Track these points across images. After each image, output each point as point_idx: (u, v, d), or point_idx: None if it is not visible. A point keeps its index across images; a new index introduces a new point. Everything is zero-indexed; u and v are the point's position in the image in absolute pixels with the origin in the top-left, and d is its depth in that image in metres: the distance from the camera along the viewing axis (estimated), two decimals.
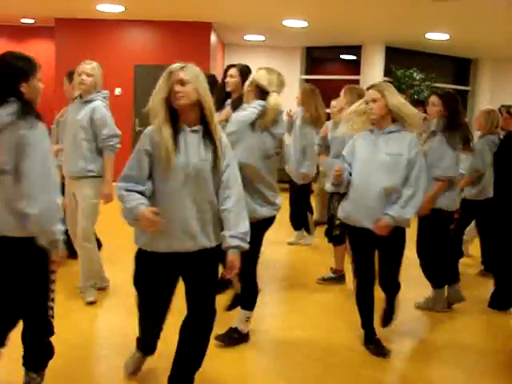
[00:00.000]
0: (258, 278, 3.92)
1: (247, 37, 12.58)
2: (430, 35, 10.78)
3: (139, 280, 3.08)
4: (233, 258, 2.89)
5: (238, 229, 2.89)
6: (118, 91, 10.99)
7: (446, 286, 4.78)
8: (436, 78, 12.13)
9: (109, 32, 11.05)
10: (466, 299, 4.81)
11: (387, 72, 12.40)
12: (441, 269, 4.71)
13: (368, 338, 3.99)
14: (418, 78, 11.90)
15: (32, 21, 11.93)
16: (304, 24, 10.40)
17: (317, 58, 14.32)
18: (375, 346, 3.94)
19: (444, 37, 10.83)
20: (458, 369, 3.79)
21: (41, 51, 12.35)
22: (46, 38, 12.22)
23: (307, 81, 14.02)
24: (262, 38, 12.60)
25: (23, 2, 9.90)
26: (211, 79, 4.96)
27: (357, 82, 12.84)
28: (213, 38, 11.21)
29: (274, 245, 6.24)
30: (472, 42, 11.59)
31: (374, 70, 12.52)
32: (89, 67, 4.68)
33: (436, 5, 8.00)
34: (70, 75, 5.32)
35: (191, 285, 3.00)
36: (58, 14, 10.77)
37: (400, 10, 8.77)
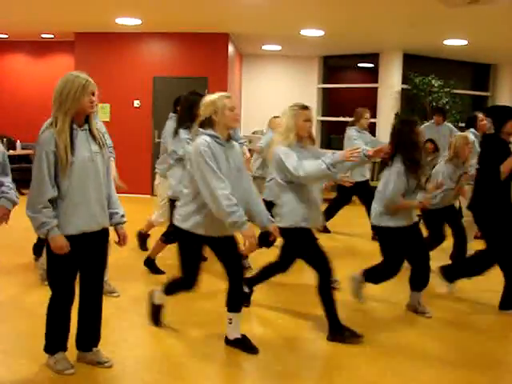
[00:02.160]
0: None
1: (265, 47, 12.62)
2: (448, 41, 10.72)
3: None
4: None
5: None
6: (136, 103, 11.08)
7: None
8: (455, 84, 12.04)
9: (127, 45, 11.16)
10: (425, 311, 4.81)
11: (405, 79, 12.35)
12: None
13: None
14: (436, 84, 11.83)
15: (52, 36, 12.09)
16: (321, 33, 10.41)
17: (334, 67, 14.32)
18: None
19: (462, 42, 10.76)
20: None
21: (60, 65, 12.53)
22: (65, 53, 12.38)
23: (324, 89, 14.06)
24: (279, 47, 12.63)
25: (43, 17, 10.04)
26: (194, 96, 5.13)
27: (375, 90, 12.84)
28: (230, 48, 11.27)
29: None
30: (491, 47, 11.49)
31: (391, 78, 12.48)
32: None
33: (453, 11, 7.96)
34: None
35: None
36: (78, 28, 10.92)
37: (417, 17, 8.73)
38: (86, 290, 3.45)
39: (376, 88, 12.86)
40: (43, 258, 4.92)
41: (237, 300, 3.89)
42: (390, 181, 4.46)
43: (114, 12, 9.27)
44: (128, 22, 9.90)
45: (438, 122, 8.77)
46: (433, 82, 11.86)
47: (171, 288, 4.09)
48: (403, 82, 12.42)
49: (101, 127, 4.68)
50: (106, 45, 11.17)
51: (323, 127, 14.22)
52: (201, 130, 3.74)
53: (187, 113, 5.13)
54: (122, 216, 3.49)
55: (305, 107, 4.15)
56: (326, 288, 4.11)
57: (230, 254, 3.88)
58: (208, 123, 3.73)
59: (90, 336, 3.55)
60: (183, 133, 5.19)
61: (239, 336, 3.94)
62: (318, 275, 4.11)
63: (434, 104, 11.53)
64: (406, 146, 4.46)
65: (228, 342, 3.97)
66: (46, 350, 3.42)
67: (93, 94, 3.19)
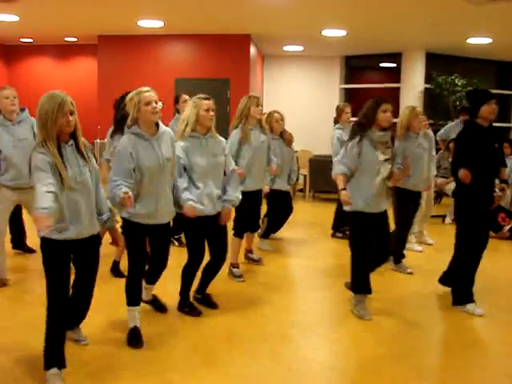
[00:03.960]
0: None
1: (286, 47, 12.62)
2: (471, 40, 10.62)
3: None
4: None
5: None
6: (159, 105, 11.12)
7: None
8: (479, 83, 11.91)
9: (149, 47, 11.25)
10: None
11: (428, 79, 12.26)
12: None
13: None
14: (459, 83, 11.72)
15: (75, 39, 12.24)
16: (343, 33, 10.38)
17: (356, 67, 14.27)
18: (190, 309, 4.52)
19: (486, 41, 10.65)
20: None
21: (84, 68, 12.70)
22: (88, 56, 12.54)
23: (346, 90, 14.01)
24: (300, 48, 12.62)
25: (67, 21, 10.17)
26: None
27: (397, 89, 12.76)
28: (252, 49, 11.29)
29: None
30: None
31: (414, 78, 12.41)
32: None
33: (477, 9, 7.88)
34: None
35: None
36: (100, 31, 11.04)
37: (440, 16, 8.67)
38: (78, 285, 3.55)
39: (398, 88, 12.79)
40: None
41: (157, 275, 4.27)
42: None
43: (136, 15, 9.35)
44: (150, 24, 9.98)
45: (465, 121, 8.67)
46: (456, 81, 11.76)
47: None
48: (426, 82, 12.34)
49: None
50: (129, 47, 11.27)
51: None
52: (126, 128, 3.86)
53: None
54: (111, 220, 3.57)
55: (206, 98, 4.29)
56: None
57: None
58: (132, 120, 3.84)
59: (75, 317, 3.73)
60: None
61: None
62: None
63: (458, 103, 11.42)
64: (363, 122, 4.48)
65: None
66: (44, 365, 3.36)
67: (71, 113, 3.15)
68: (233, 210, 4.58)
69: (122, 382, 3.39)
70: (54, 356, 3.31)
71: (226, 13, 9.09)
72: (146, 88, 3.86)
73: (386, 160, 4.45)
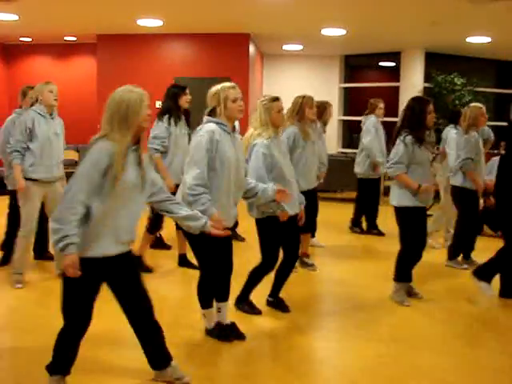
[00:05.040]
0: None
1: (285, 46, 12.61)
2: (470, 39, 10.61)
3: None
4: None
5: None
6: (158, 104, 11.10)
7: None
8: (478, 82, 11.92)
9: (149, 46, 11.24)
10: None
11: (427, 78, 12.25)
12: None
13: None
14: (459, 82, 11.71)
15: (74, 38, 12.22)
16: (342, 32, 10.38)
17: (355, 66, 14.27)
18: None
19: (485, 40, 10.64)
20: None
21: (83, 67, 12.68)
22: (87, 55, 12.52)
23: (346, 89, 14.01)
24: (300, 47, 12.62)
25: (66, 20, 10.16)
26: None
27: (396, 88, 12.76)
28: (251, 48, 11.28)
29: None
30: None
31: (413, 77, 12.40)
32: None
33: (476, 8, 7.87)
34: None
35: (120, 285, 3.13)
36: (100, 30, 11.03)
37: (440, 15, 8.66)
38: (132, 312, 3.18)
39: (398, 87, 12.79)
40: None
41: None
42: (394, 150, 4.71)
43: (135, 14, 9.34)
44: (149, 23, 9.97)
45: None
46: (455, 80, 11.75)
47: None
48: (425, 81, 12.33)
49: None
50: (128, 46, 11.26)
51: (345, 126, 14.18)
52: (208, 117, 3.76)
53: (168, 103, 5.73)
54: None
55: (275, 99, 4.30)
56: None
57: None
58: (213, 113, 3.75)
59: (158, 354, 3.31)
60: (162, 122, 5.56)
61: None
62: None
63: (457, 102, 11.41)
64: (413, 122, 4.62)
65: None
66: (46, 368, 3.15)
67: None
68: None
69: None
70: (62, 365, 3.14)
71: (225, 12, 9.08)
72: (231, 84, 3.78)
73: (432, 160, 4.67)
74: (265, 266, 4.33)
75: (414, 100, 4.70)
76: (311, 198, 5.27)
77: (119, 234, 2.97)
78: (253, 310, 4.47)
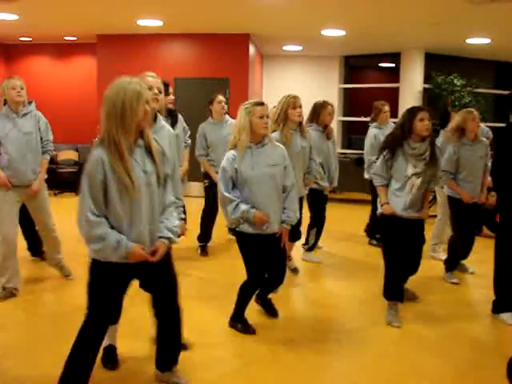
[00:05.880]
0: None
1: (285, 47, 12.62)
2: (470, 40, 10.62)
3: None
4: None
5: None
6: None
7: None
8: (478, 83, 11.93)
9: (148, 46, 11.23)
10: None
11: (427, 79, 12.26)
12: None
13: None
14: (458, 83, 11.72)
15: (74, 38, 12.22)
16: (342, 33, 10.38)
17: (355, 67, 14.27)
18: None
19: (485, 41, 10.65)
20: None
21: (83, 67, 12.67)
22: (87, 54, 12.51)
23: (346, 90, 14.01)
24: (299, 47, 12.62)
25: (66, 20, 10.15)
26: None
27: (396, 89, 12.76)
28: (251, 49, 11.28)
29: None
30: None
31: (413, 77, 12.40)
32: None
33: (476, 9, 7.88)
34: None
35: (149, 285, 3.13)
36: (100, 30, 11.03)
37: (439, 16, 8.66)
38: (160, 310, 3.17)
39: (397, 88, 12.79)
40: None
41: None
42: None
43: (135, 14, 9.34)
44: (149, 23, 9.97)
45: None
46: (455, 81, 11.76)
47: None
48: (425, 82, 12.33)
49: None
50: (128, 46, 11.25)
51: (344, 127, 14.18)
52: None
53: None
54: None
55: (260, 103, 3.95)
56: None
57: None
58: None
59: (169, 356, 3.29)
60: None
61: None
62: None
63: (457, 103, 11.42)
64: (403, 130, 4.35)
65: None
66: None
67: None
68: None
69: None
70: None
71: (225, 12, 9.08)
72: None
73: (417, 174, 4.31)
74: (250, 282, 4.13)
75: (407, 109, 4.48)
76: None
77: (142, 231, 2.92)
78: (246, 329, 4.23)
